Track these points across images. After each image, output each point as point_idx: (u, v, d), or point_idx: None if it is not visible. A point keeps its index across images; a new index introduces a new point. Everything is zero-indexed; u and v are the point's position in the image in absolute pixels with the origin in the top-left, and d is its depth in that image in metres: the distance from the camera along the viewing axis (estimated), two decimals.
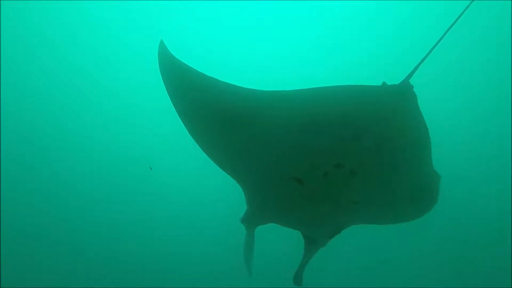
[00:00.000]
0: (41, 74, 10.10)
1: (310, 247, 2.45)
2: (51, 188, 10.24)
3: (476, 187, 8.67)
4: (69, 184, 10.22)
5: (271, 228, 2.56)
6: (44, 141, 10.26)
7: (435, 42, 2.25)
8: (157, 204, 10.19)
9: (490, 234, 8.68)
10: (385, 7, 9.16)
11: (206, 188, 9.55)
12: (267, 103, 2.14)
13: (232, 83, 2.16)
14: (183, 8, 9.79)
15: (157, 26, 9.86)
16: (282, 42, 10.00)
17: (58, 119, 10.25)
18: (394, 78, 2.37)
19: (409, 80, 2.23)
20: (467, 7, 2.25)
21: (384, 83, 2.26)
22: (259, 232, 2.56)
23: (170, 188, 10.07)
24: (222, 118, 2.19)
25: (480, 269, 8.88)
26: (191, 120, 2.32)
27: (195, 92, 2.21)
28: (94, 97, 10.30)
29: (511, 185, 8.40)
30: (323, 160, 2.15)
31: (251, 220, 2.49)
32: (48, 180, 10.25)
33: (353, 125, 2.12)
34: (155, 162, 9.92)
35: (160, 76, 2.40)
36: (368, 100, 2.15)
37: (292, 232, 2.52)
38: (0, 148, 9.75)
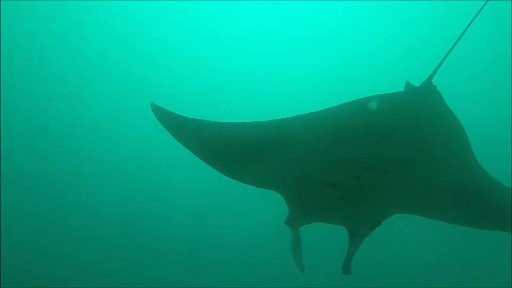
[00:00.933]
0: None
1: (354, 239, 2.61)
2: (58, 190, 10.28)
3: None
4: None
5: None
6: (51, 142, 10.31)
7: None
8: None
9: (489, 234, 8.66)
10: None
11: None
12: (298, 127, 2.42)
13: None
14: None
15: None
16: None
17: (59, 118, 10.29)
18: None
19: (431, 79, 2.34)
20: (481, 8, 2.36)
21: (407, 82, 2.39)
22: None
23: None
24: (260, 155, 2.50)
25: (480, 269, 8.89)
26: (230, 167, 2.59)
27: (229, 146, 2.51)
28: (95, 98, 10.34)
29: (511, 181, 8.38)
30: (354, 166, 2.37)
31: (294, 222, 2.66)
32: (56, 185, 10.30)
33: (379, 131, 2.32)
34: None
35: None
36: (391, 106, 2.32)
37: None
38: (0, 148, 9.78)
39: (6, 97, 9.80)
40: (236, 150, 2.51)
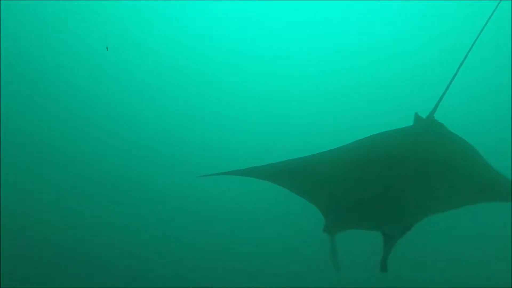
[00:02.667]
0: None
1: (388, 240, 3.07)
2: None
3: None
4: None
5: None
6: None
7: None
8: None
9: (489, 234, 8.72)
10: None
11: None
12: (329, 160, 3.14)
13: None
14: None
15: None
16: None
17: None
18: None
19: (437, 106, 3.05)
20: (473, 44, 3.00)
21: (416, 114, 3.12)
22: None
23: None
24: (304, 178, 3.24)
25: (480, 269, 8.91)
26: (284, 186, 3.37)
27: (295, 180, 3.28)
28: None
29: (511, 184, 8.41)
30: (376, 187, 2.98)
31: (331, 229, 3.19)
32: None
33: (395, 160, 2.95)
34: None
35: None
36: (401, 139, 3.03)
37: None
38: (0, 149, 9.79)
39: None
40: (286, 179, 3.30)
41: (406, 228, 3.05)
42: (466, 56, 3.05)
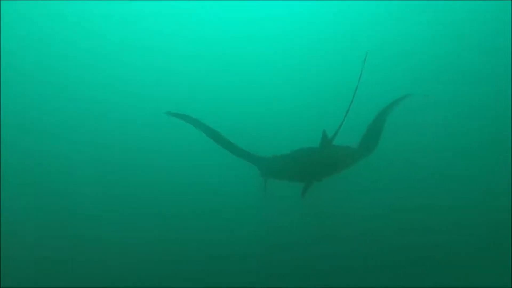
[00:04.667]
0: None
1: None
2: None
3: (475, 187, 8.74)
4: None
5: None
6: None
7: None
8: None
9: (489, 234, 8.74)
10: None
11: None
12: (280, 161, 5.67)
13: None
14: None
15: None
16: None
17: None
18: None
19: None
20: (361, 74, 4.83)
21: (323, 131, 5.36)
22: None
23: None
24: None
25: (480, 269, 8.92)
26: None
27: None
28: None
29: (511, 185, 8.46)
30: (303, 174, 5.61)
31: (265, 177, 5.74)
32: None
33: (315, 162, 5.51)
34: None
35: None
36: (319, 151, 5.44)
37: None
38: (0, 148, 9.80)
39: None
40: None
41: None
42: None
